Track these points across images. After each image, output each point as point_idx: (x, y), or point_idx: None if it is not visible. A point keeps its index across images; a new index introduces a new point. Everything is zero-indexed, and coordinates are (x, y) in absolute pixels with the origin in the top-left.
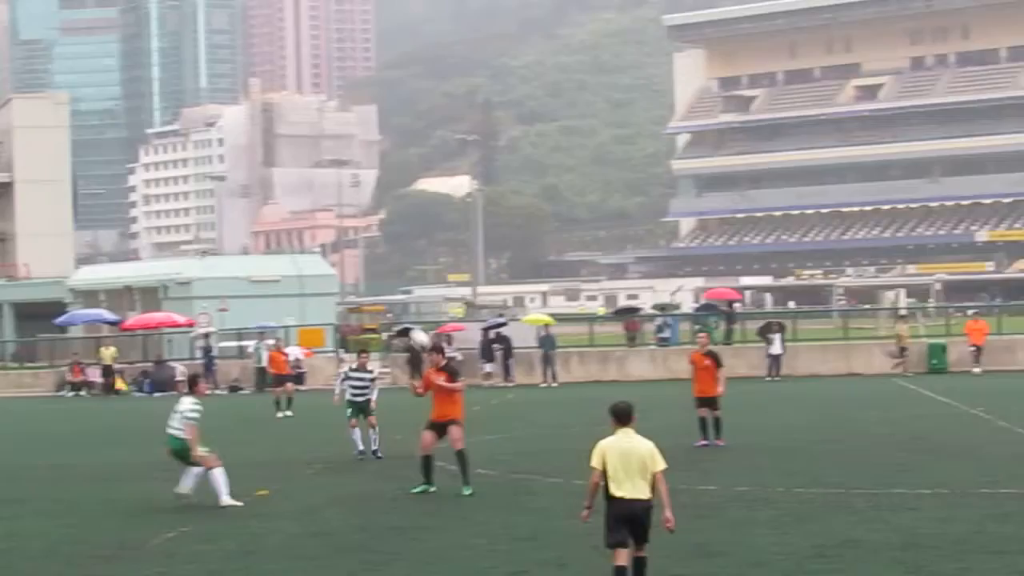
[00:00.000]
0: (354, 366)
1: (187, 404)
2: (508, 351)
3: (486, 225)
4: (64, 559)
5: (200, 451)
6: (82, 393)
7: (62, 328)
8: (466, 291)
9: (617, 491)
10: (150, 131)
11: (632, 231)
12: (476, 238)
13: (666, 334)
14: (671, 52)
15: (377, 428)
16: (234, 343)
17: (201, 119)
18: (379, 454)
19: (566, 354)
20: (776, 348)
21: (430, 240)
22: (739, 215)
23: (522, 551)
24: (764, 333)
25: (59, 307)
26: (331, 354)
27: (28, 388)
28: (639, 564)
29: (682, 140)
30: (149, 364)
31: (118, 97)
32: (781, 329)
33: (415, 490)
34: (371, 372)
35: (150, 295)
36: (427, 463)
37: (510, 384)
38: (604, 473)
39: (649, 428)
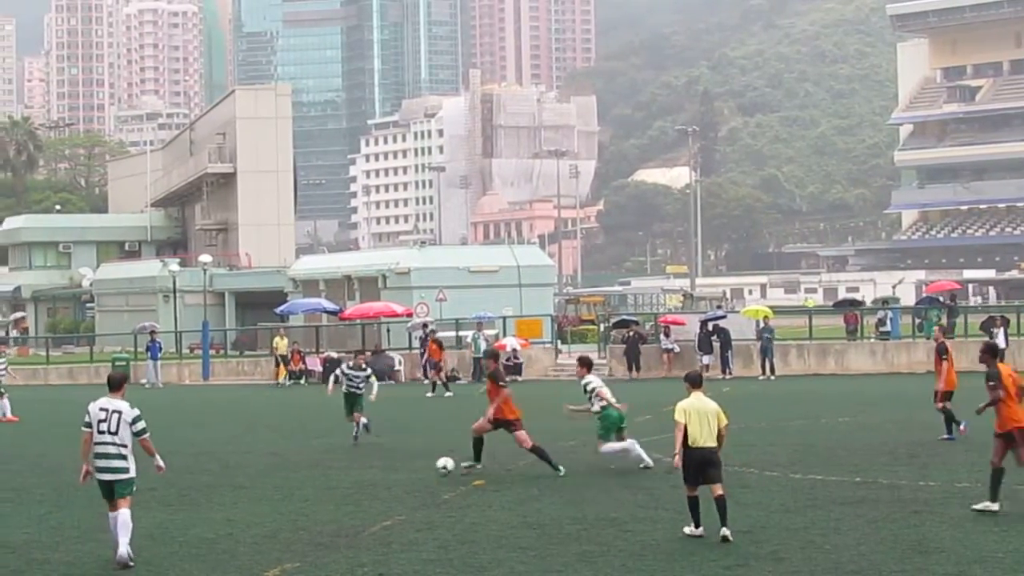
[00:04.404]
0: (351, 364)
1: None
2: (726, 343)
3: (705, 216)
4: (282, 545)
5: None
6: (301, 382)
7: (282, 317)
8: (684, 283)
9: (693, 443)
10: (371, 122)
11: (853, 223)
12: (694, 229)
13: (887, 327)
14: (894, 42)
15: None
16: (452, 333)
17: (421, 110)
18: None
19: (784, 347)
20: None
21: (648, 231)
22: (962, 207)
23: (738, 544)
24: (987, 327)
25: (279, 296)
26: (548, 345)
27: (248, 376)
28: (720, 502)
29: (904, 131)
30: (367, 353)
31: (340, 88)
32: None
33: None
34: (366, 371)
35: (369, 285)
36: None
37: (727, 377)
38: (685, 427)
39: (872, 423)
